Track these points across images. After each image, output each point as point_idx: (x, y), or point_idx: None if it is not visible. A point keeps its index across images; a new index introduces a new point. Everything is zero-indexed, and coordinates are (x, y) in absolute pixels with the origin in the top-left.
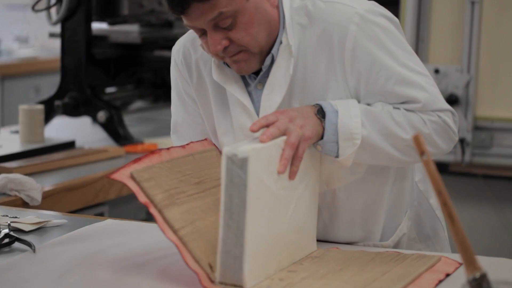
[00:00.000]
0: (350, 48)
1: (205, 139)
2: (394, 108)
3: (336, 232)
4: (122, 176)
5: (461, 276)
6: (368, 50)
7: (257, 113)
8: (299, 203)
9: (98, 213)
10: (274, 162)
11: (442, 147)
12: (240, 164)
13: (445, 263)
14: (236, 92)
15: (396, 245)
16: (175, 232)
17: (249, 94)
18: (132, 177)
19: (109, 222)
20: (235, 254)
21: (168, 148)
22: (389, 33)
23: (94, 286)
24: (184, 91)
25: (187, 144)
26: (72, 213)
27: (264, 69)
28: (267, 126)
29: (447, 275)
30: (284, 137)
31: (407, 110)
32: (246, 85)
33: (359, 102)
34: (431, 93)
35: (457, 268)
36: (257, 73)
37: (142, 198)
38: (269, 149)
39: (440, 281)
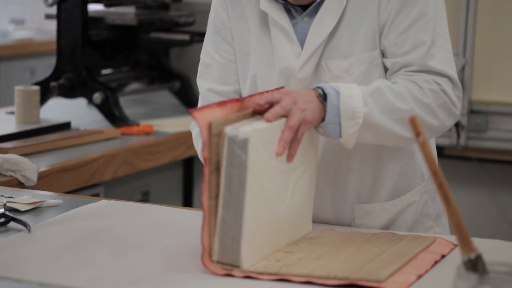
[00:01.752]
0: None
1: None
2: (393, 82)
3: (382, 191)
4: (203, 119)
5: (456, 258)
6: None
7: (301, 45)
8: (297, 184)
9: (94, 194)
10: (275, 144)
11: (443, 120)
12: (241, 145)
13: (440, 244)
14: (281, 20)
15: (404, 210)
16: (210, 198)
17: (293, 26)
18: (209, 127)
19: (104, 203)
20: (233, 234)
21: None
22: None
23: (90, 265)
24: (222, 23)
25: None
26: (67, 194)
27: (317, 1)
28: (272, 103)
29: (443, 256)
30: (284, 119)
31: (407, 75)
32: (291, 18)
33: (380, 42)
34: (439, 52)
35: (452, 249)
36: (303, 8)
37: (205, 152)
38: (270, 130)
39: (436, 262)
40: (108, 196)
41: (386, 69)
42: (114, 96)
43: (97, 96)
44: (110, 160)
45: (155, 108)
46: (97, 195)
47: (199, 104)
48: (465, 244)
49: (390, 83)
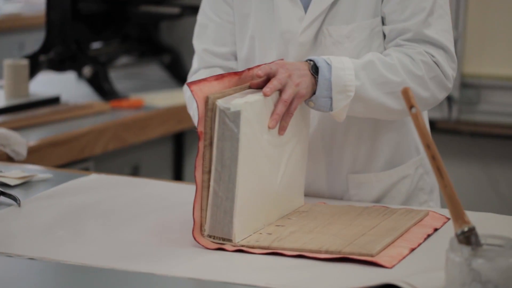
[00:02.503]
0: None
1: None
2: (386, 55)
3: (377, 161)
4: (199, 93)
5: (449, 231)
6: None
7: (304, 9)
8: (289, 158)
9: (83, 168)
10: (267, 117)
11: (435, 92)
12: (232, 118)
13: (432, 218)
14: None
15: (398, 181)
16: (203, 173)
17: None
18: (206, 100)
19: (94, 177)
20: (225, 208)
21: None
22: None
23: (81, 240)
24: None
25: None
26: (57, 168)
27: None
28: (270, 75)
29: (435, 229)
30: (277, 92)
31: (401, 44)
32: None
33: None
34: (437, 21)
35: (445, 223)
36: None
37: (200, 127)
38: (262, 103)
39: (429, 235)
40: (98, 170)
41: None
42: (103, 70)
43: (87, 70)
44: (100, 135)
45: (145, 82)
46: (87, 169)
47: (194, 62)
48: (458, 216)
49: (382, 55)
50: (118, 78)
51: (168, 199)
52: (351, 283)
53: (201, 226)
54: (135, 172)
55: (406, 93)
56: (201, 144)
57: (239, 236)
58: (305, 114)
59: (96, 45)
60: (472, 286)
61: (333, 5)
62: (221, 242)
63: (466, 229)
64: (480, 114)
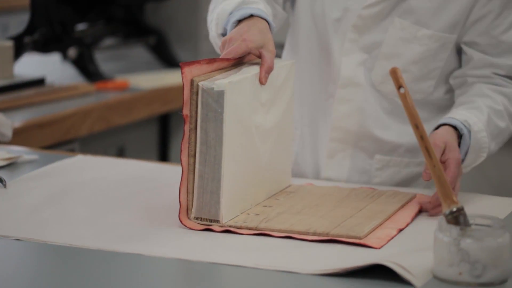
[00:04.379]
0: None
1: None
2: (487, 96)
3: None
4: (189, 75)
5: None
6: None
7: None
8: (275, 137)
9: (69, 150)
10: (251, 96)
11: None
12: (216, 98)
13: (421, 196)
14: None
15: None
16: (189, 156)
17: None
18: (192, 83)
19: (80, 158)
20: (211, 189)
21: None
22: None
23: (67, 221)
24: None
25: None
26: (43, 149)
27: None
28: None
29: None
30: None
31: (494, 77)
32: None
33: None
34: None
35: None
36: None
37: (186, 110)
38: (246, 83)
39: (416, 214)
40: (83, 152)
41: (457, 50)
42: (88, 51)
43: (72, 52)
44: (85, 116)
45: (131, 63)
46: (72, 151)
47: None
48: (446, 196)
49: (491, 102)
50: (103, 59)
51: (154, 180)
52: (340, 263)
53: (187, 209)
54: (120, 153)
55: (394, 73)
56: (186, 128)
57: (227, 216)
58: (291, 94)
59: (81, 26)
60: (460, 266)
61: None
62: (208, 224)
63: (454, 209)
64: None
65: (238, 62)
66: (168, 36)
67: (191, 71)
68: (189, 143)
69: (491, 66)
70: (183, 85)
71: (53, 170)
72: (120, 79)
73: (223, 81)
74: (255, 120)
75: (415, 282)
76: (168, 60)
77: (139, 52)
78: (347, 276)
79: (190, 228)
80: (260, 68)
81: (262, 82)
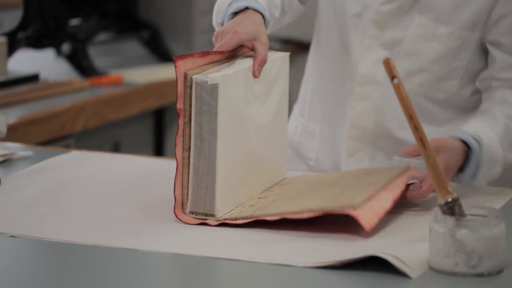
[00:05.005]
0: None
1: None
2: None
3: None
4: (182, 69)
5: (433, 202)
6: None
7: None
8: (269, 131)
9: (64, 145)
10: (245, 89)
11: None
12: (210, 91)
13: (414, 170)
14: None
15: None
16: (183, 150)
17: None
18: (185, 77)
19: (75, 154)
20: (206, 183)
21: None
22: None
23: (62, 216)
24: None
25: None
26: (37, 146)
27: None
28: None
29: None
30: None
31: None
32: None
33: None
34: None
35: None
36: None
37: (180, 104)
38: (240, 76)
39: (409, 184)
40: (78, 147)
41: (483, 49)
42: (82, 46)
43: (66, 47)
44: (79, 112)
45: (125, 58)
46: (67, 146)
47: None
48: (441, 187)
49: (508, 109)
50: (97, 54)
51: (149, 175)
52: (335, 256)
53: (183, 203)
54: (115, 148)
55: (387, 64)
56: (180, 121)
57: (222, 210)
58: (285, 91)
59: (74, 21)
60: (456, 257)
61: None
62: (204, 218)
63: (449, 199)
64: None
65: (232, 55)
66: (162, 30)
67: (184, 65)
68: (183, 137)
69: (510, 69)
70: (177, 78)
71: (48, 166)
72: (114, 74)
73: (217, 74)
74: (250, 113)
75: (411, 274)
76: (162, 54)
77: (133, 46)
78: (342, 268)
79: (186, 223)
80: (254, 61)
81: (255, 75)
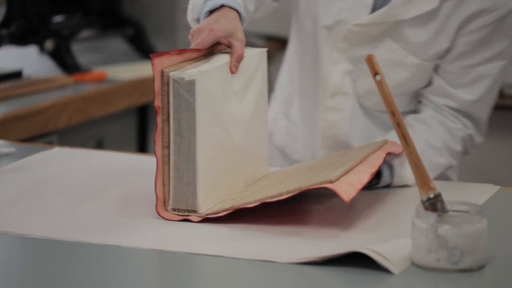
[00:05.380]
0: (494, 18)
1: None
2: (433, 130)
3: None
4: (159, 66)
5: (415, 198)
6: (499, 32)
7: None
8: (249, 126)
9: (47, 142)
10: (223, 85)
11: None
12: (187, 88)
13: (392, 145)
14: None
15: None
16: (163, 147)
17: None
18: (162, 74)
19: (57, 150)
20: (187, 180)
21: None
22: None
23: (45, 213)
24: None
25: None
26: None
27: None
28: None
29: (391, 153)
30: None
31: (440, 106)
32: None
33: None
34: (487, 98)
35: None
36: None
37: (157, 101)
38: (217, 71)
39: (388, 154)
40: (62, 144)
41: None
42: (66, 43)
43: (49, 44)
44: (63, 108)
45: (108, 55)
46: (50, 143)
47: None
48: (424, 183)
49: (430, 138)
50: (80, 51)
51: (132, 172)
52: (317, 252)
53: (164, 201)
54: (99, 145)
55: (370, 61)
56: (159, 119)
57: (204, 206)
58: (264, 82)
59: (58, 18)
60: (438, 253)
61: (398, 23)
62: (186, 214)
63: (432, 195)
64: None
65: (209, 52)
66: (145, 27)
67: (161, 62)
68: (162, 135)
69: (445, 96)
70: (154, 76)
71: (30, 162)
72: (97, 71)
73: (194, 71)
74: (229, 109)
75: (393, 269)
76: (146, 51)
77: (117, 43)
78: (325, 264)
79: (168, 219)
80: (230, 57)
81: (232, 71)
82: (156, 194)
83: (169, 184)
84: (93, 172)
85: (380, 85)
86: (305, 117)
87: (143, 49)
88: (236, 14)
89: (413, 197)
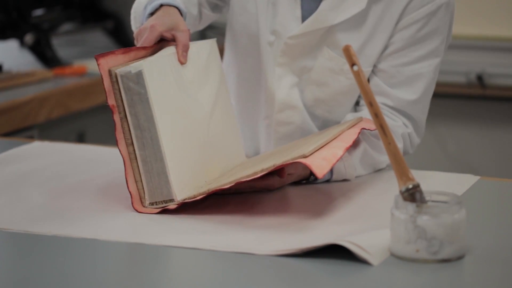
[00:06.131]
0: (423, 14)
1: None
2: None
3: None
4: (105, 66)
5: (394, 189)
6: (430, 29)
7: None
8: (214, 114)
9: (28, 137)
10: (174, 75)
11: None
12: (136, 80)
13: (366, 122)
14: None
15: None
16: (127, 145)
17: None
18: (110, 73)
19: (37, 144)
20: (158, 171)
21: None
22: (449, 34)
23: (23, 206)
24: None
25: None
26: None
27: None
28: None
29: (367, 128)
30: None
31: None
32: None
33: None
34: (423, 98)
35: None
36: None
37: (111, 100)
38: (163, 61)
39: (362, 129)
40: (43, 138)
41: None
42: (46, 37)
43: (29, 38)
44: (43, 102)
45: (89, 48)
46: (31, 137)
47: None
48: (402, 174)
49: (371, 136)
50: (60, 45)
51: (113, 165)
52: (296, 244)
53: (141, 197)
54: (80, 139)
55: (347, 51)
56: (116, 118)
57: (180, 194)
58: (220, 71)
59: (38, 12)
60: (417, 243)
61: (332, 30)
62: (165, 205)
63: (410, 186)
64: None
65: (157, 49)
66: (125, 20)
67: (107, 62)
68: (123, 133)
69: (382, 95)
70: (102, 76)
71: (9, 157)
72: (78, 64)
73: (139, 62)
74: (187, 98)
75: (372, 261)
76: (126, 44)
77: (97, 37)
78: (303, 256)
79: (147, 213)
80: (176, 48)
81: (181, 61)
82: (130, 192)
83: (141, 180)
84: (73, 165)
85: (358, 75)
86: (245, 128)
87: (124, 42)
88: (175, 10)
89: (392, 187)
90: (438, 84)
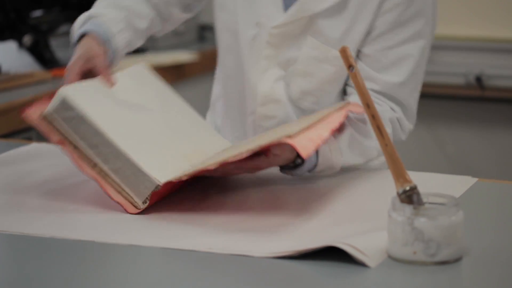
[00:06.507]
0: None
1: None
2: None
3: None
4: (34, 115)
5: (391, 191)
6: (414, 11)
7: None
8: (168, 113)
9: (26, 138)
10: (107, 98)
11: None
12: (65, 107)
13: (354, 106)
14: None
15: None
16: (92, 168)
17: None
18: (45, 118)
19: (35, 146)
20: (131, 171)
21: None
22: (433, 16)
23: (19, 208)
24: None
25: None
26: None
27: None
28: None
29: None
30: None
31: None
32: None
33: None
34: (411, 82)
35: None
36: None
37: (55, 137)
38: (88, 85)
39: (349, 112)
40: (41, 140)
41: None
42: (44, 38)
43: (27, 39)
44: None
45: None
46: (29, 139)
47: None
48: (399, 175)
49: (358, 121)
50: (59, 46)
51: None
52: (292, 246)
53: (132, 203)
54: None
55: (344, 52)
56: (68, 150)
57: (162, 177)
58: (164, 89)
59: (36, 13)
60: (414, 245)
61: (314, 18)
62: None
63: (408, 188)
64: (426, 75)
65: None
66: None
67: (35, 111)
68: (83, 160)
69: (368, 79)
70: (36, 126)
71: (7, 158)
72: None
73: (59, 91)
74: (127, 111)
75: (369, 263)
76: None
77: None
78: (300, 258)
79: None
80: (100, 73)
81: (110, 83)
82: (118, 203)
83: (123, 189)
84: (70, 167)
85: (355, 77)
86: (234, 128)
87: None
88: (89, 39)
89: (389, 189)
90: (437, 85)
